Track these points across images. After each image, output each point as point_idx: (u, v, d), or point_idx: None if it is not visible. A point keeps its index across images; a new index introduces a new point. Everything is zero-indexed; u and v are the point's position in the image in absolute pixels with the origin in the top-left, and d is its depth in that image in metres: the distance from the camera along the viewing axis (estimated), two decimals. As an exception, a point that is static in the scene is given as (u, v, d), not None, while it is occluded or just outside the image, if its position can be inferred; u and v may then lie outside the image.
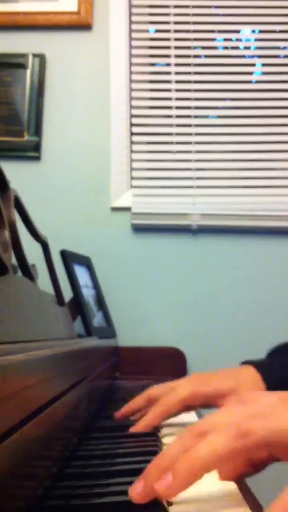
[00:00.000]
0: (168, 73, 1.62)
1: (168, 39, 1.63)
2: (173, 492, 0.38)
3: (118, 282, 1.53)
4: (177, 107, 1.60)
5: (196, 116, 1.60)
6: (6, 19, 1.60)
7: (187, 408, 0.70)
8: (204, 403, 0.69)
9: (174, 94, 1.61)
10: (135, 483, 0.40)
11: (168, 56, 1.63)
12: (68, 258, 1.32)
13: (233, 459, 0.44)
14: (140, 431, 0.66)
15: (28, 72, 1.58)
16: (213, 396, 0.68)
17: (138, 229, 1.56)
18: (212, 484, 0.45)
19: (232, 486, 0.45)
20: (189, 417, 0.75)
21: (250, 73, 1.64)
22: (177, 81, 1.61)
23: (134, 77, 1.62)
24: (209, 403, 0.69)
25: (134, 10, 1.64)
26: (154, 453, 0.55)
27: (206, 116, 1.62)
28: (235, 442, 0.38)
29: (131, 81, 1.62)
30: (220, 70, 1.62)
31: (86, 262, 1.46)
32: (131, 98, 1.61)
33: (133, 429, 0.66)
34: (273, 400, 0.41)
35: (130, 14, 1.64)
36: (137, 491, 0.39)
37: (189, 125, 1.60)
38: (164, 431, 0.69)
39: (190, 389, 0.68)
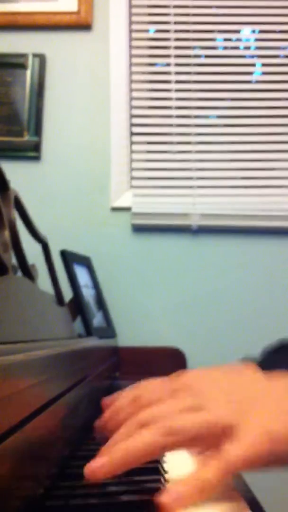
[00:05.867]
0: (168, 73, 1.62)
1: (168, 39, 1.63)
2: (99, 473, 0.42)
3: (118, 282, 1.53)
4: (177, 107, 1.60)
5: (196, 116, 1.60)
6: (6, 19, 1.60)
7: None
8: None
9: (174, 94, 1.61)
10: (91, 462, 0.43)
11: (168, 56, 1.63)
12: (68, 258, 1.32)
13: (167, 451, 0.49)
14: None
15: (28, 72, 1.58)
16: None
17: (138, 229, 1.56)
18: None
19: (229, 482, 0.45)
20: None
21: (250, 73, 1.64)
22: (177, 81, 1.61)
23: (134, 77, 1.62)
24: None
25: (134, 10, 1.64)
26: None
27: (206, 116, 1.62)
28: (162, 439, 0.43)
29: (131, 81, 1.62)
30: (220, 70, 1.62)
31: (86, 262, 1.46)
32: (131, 98, 1.61)
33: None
34: (215, 388, 0.47)
35: (130, 14, 1.64)
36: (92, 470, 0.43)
37: (189, 125, 1.60)
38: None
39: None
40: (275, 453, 0.41)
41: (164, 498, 0.39)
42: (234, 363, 0.74)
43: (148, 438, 0.43)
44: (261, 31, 1.65)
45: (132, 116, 1.60)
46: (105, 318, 1.43)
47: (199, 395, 0.47)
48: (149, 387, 0.70)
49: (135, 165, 1.58)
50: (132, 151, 1.59)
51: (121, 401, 0.70)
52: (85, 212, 1.56)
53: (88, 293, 1.37)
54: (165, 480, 0.48)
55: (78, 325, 1.23)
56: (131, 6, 1.64)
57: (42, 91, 1.59)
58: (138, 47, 1.63)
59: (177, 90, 1.61)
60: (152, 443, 0.43)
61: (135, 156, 1.59)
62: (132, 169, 1.58)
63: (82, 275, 1.37)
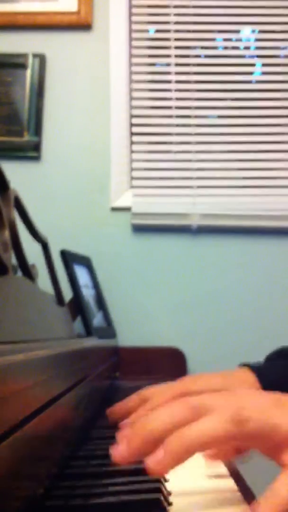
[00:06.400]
0: (168, 73, 1.62)
1: (168, 39, 1.63)
2: (163, 469, 0.38)
3: (118, 282, 1.53)
4: (177, 107, 1.60)
5: (196, 116, 1.60)
6: (6, 19, 1.60)
7: None
8: None
9: (174, 94, 1.61)
10: (118, 445, 0.39)
11: (168, 56, 1.63)
12: (68, 258, 1.32)
13: (225, 444, 0.44)
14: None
15: (28, 72, 1.58)
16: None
17: (138, 229, 1.56)
18: (210, 481, 0.45)
19: (230, 483, 0.45)
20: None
21: (250, 73, 1.64)
22: (177, 81, 1.61)
23: (134, 77, 1.62)
24: None
25: (134, 10, 1.64)
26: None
27: (206, 116, 1.62)
28: (230, 428, 0.38)
29: (131, 81, 1.62)
30: (220, 70, 1.62)
31: (86, 262, 1.46)
32: (131, 98, 1.61)
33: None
34: (265, 398, 0.42)
35: (130, 14, 1.64)
36: (121, 454, 0.39)
37: (189, 125, 1.60)
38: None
39: (185, 388, 0.68)
40: None
41: None
42: (234, 370, 0.74)
43: (215, 424, 0.38)
44: (261, 31, 1.65)
45: (132, 116, 1.60)
46: (105, 318, 1.43)
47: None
48: (156, 391, 0.71)
49: (135, 165, 1.58)
50: (132, 151, 1.59)
51: (129, 403, 0.70)
52: (85, 212, 1.56)
53: (88, 293, 1.37)
54: (165, 480, 0.48)
55: (78, 325, 1.23)
56: (131, 6, 1.64)
57: (42, 91, 1.59)
58: (138, 47, 1.63)
59: (177, 90, 1.61)
60: (218, 431, 0.38)
61: (135, 156, 1.59)
62: (132, 169, 1.58)
63: (82, 275, 1.37)
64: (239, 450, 0.46)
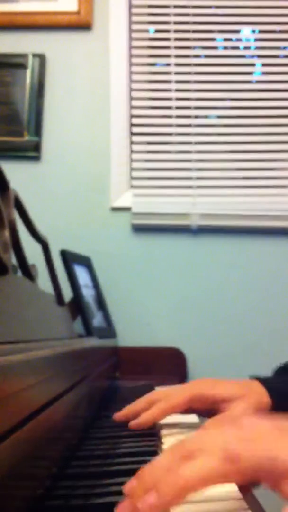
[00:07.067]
0: (168, 73, 1.62)
1: (168, 39, 1.63)
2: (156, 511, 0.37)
3: (118, 282, 1.53)
4: (177, 107, 1.60)
5: (196, 116, 1.60)
6: (6, 19, 1.60)
7: (191, 410, 0.69)
8: (209, 406, 0.69)
9: (174, 94, 1.61)
10: (123, 502, 0.39)
11: (168, 56, 1.63)
12: (68, 258, 1.32)
13: (219, 482, 0.43)
14: (141, 425, 0.65)
15: (28, 72, 1.58)
16: (220, 400, 0.68)
17: (138, 229, 1.56)
18: (213, 487, 0.45)
19: (234, 489, 0.45)
20: (190, 417, 0.74)
21: (250, 73, 1.64)
22: (177, 81, 1.61)
23: (134, 77, 1.62)
24: (213, 406, 0.68)
25: (134, 10, 1.64)
26: (154, 453, 0.55)
27: (206, 116, 1.62)
28: (221, 467, 0.38)
29: (131, 81, 1.62)
30: (220, 70, 1.62)
31: (86, 262, 1.46)
32: (131, 98, 1.61)
33: (134, 423, 0.66)
34: (267, 427, 0.40)
35: (130, 14, 1.64)
36: (124, 511, 0.38)
37: (189, 125, 1.60)
38: (164, 431, 0.69)
39: (198, 390, 0.68)
40: None
41: None
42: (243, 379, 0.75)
43: (205, 465, 0.38)
44: (261, 31, 1.65)
45: (132, 116, 1.60)
46: (105, 318, 1.43)
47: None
48: (162, 394, 0.71)
49: (135, 165, 1.58)
50: (132, 151, 1.59)
51: (136, 407, 0.71)
52: (85, 212, 1.56)
53: (88, 293, 1.37)
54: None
55: (78, 325, 1.23)
56: (131, 6, 1.64)
57: (42, 91, 1.59)
58: (138, 47, 1.63)
59: (177, 90, 1.61)
60: (210, 470, 0.37)
61: (135, 156, 1.59)
62: (132, 169, 1.58)
63: (82, 275, 1.37)
64: (240, 487, 0.45)
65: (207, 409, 0.69)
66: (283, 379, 0.77)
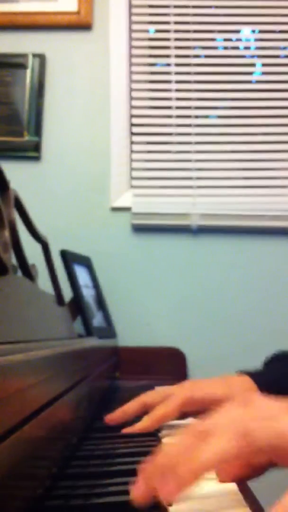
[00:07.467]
0: (168, 73, 1.62)
1: (168, 39, 1.63)
2: (174, 495, 0.38)
3: (118, 282, 1.53)
4: (177, 107, 1.60)
5: (196, 116, 1.60)
6: (6, 19, 1.60)
7: (183, 414, 0.69)
8: (200, 409, 0.69)
9: (174, 94, 1.61)
10: (137, 484, 0.39)
11: (168, 56, 1.63)
12: (68, 258, 1.32)
13: (234, 462, 0.44)
14: (134, 432, 0.65)
15: (28, 72, 1.58)
16: (209, 402, 0.68)
17: (138, 229, 1.56)
18: (212, 484, 0.45)
19: (232, 486, 0.45)
20: (189, 418, 0.74)
21: (250, 73, 1.64)
22: (177, 81, 1.61)
23: (134, 77, 1.62)
24: (204, 409, 0.68)
25: (134, 10, 1.64)
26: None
27: (206, 116, 1.62)
28: (236, 445, 0.38)
29: (131, 81, 1.62)
30: (220, 70, 1.62)
31: (86, 262, 1.46)
32: (131, 98, 1.61)
33: (127, 430, 0.66)
34: (278, 406, 0.41)
35: (130, 14, 1.64)
36: (140, 493, 0.39)
37: (189, 125, 1.60)
38: (164, 432, 0.69)
39: (188, 395, 0.68)
40: None
41: None
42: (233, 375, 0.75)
43: (220, 444, 0.38)
44: (261, 31, 1.65)
45: (132, 116, 1.60)
46: (105, 318, 1.43)
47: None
48: (154, 395, 0.71)
49: (135, 165, 1.58)
50: (132, 151, 1.59)
51: (128, 410, 0.71)
52: (85, 212, 1.56)
53: (88, 293, 1.37)
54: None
55: (78, 325, 1.23)
56: (131, 6, 1.64)
57: (42, 91, 1.59)
58: (138, 47, 1.63)
59: (177, 90, 1.61)
60: (225, 450, 0.38)
61: (135, 156, 1.59)
62: (132, 169, 1.58)
63: (82, 275, 1.37)
64: (253, 470, 0.46)
65: (199, 412, 0.69)
66: (271, 369, 0.77)
